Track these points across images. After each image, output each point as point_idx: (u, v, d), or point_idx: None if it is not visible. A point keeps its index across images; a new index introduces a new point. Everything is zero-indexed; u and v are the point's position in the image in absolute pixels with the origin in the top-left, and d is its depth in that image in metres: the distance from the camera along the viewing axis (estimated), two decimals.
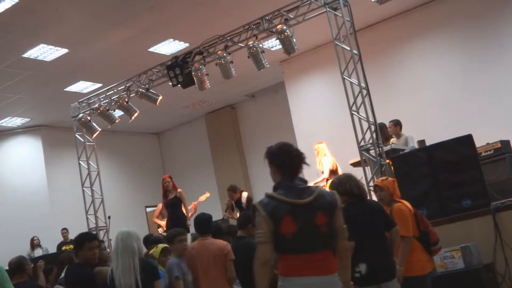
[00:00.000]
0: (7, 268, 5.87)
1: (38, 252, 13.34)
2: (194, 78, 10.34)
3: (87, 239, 5.18)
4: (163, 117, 16.90)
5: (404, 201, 5.31)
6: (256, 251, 3.42)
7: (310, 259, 3.40)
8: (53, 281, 6.60)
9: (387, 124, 9.93)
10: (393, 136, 9.88)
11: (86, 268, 5.05)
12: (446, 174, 7.00)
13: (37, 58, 11.58)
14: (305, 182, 3.58)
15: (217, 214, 13.36)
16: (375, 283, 4.72)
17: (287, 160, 3.54)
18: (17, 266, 5.76)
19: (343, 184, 5.02)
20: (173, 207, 10.52)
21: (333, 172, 10.39)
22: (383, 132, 9.50)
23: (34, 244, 13.76)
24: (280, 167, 3.57)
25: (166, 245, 6.47)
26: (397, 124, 9.86)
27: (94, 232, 10.83)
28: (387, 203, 5.34)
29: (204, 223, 5.92)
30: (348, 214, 4.35)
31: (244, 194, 11.13)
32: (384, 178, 5.65)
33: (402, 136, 9.91)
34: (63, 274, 5.76)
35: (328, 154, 10.48)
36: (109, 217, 11.72)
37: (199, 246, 5.73)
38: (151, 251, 6.86)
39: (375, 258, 4.74)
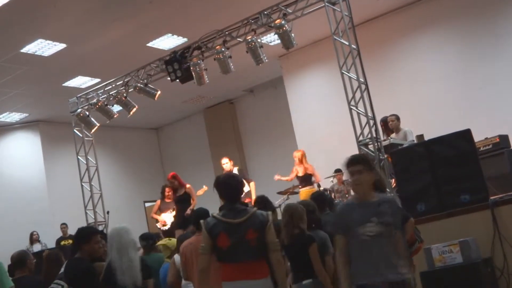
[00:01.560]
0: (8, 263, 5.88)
1: (37, 247, 13.35)
2: (193, 73, 10.33)
3: (94, 233, 5.18)
4: (161, 112, 16.90)
5: None
6: (198, 261, 4.32)
7: (242, 267, 4.19)
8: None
9: (389, 117, 10.03)
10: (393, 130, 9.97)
11: (87, 262, 5.04)
12: (445, 169, 6.98)
13: (35, 53, 11.56)
14: (246, 205, 4.42)
15: (215, 209, 13.35)
16: None
17: (228, 190, 4.42)
18: (18, 261, 5.75)
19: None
20: (182, 203, 10.66)
21: (303, 179, 10.96)
22: (388, 125, 9.68)
23: (33, 239, 13.77)
24: (224, 195, 4.45)
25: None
26: (398, 118, 9.98)
27: None
28: None
29: (201, 218, 5.89)
30: None
31: (235, 169, 11.07)
32: None
33: (401, 130, 9.98)
34: (62, 269, 5.73)
35: (304, 161, 10.99)
36: (108, 212, 11.73)
37: (196, 241, 5.70)
38: (161, 243, 6.84)
39: None
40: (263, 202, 6.62)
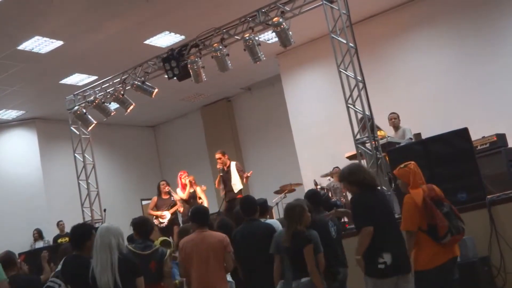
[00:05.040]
0: None
1: (39, 244, 13.33)
2: (190, 71, 10.31)
3: (94, 228, 5.15)
4: (158, 109, 16.87)
5: (415, 192, 5.09)
6: None
7: None
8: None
9: (390, 115, 10.08)
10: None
11: (87, 259, 5.00)
12: (442, 167, 6.99)
13: (32, 51, 11.51)
14: (152, 242, 5.88)
15: (212, 207, 13.36)
16: (398, 274, 4.75)
17: (142, 229, 5.89)
18: (7, 261, 5.73)
19: (354, 173, 5.03)
20: (195, 199, 11.12)
21: (187, 201, 11.07)
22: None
23: (35, 237, 13.75)
24: (137, 233, 5.84)
25: (165, 237, 6.64)
26: (399, 116, 10.06)
27: None
28: (404, 192, 5.20)
29: (202, 215, 5.93)
30: (363, 201, 4.95)
31: (233, 164, 11.04)
32: (402, 166, 5.37)
33: (400, 128, 10.02)
34: (59, 267, 5.71)
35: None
36: (104, 210, 11.71)
37: (197, 238, 5.74)
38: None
39: (397, 248, 4.78)
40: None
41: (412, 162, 5.35)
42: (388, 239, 4.82)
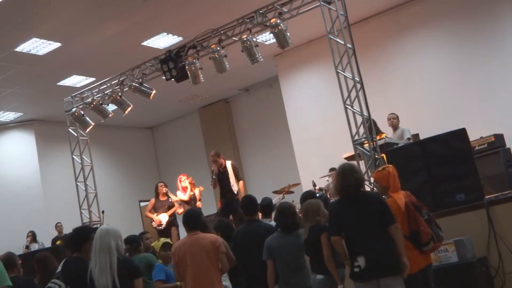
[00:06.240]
0: None
1: (34, 247, 13.29)
2: (188, 72, 10.30)
3: (92, 231, 5.14)
4: (156, 111, 16.87)
5: (397, 196, 5.10)
6: None
7: None
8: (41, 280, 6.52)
9: (390, 115, 10.09)
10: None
11: (86, 261, 5.00)
12: (440, 168, 6.99)
13: (30, 52, 11.52)
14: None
15: (211, 209, 13.37)
16: (375, 277, 4.70)
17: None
18: (8, 262, 5.71)
19: (336, 179, 5.04)
20: (195, 200, 11.23)
21: (188, 202, 11.11)
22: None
23: (29, 239, 13.72)
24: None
25: (168, 240, 6.65)
26: (398, 117, 10.09)
27: None
28: (383, 195, 5.20)
29: (193, 219, 5.91)
30: (331, 210, 5.04)
31: (228, 163, 11.00)
32: (380, 168, 5.36)
33: (399, 128, 10.04)
34: (59, 268, 5.70)
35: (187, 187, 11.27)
36: (103, 212, 11.68)
37: (190, 241, 5.71)
38: (152, 244, 6.94)
39: (373, 251, 4.72)
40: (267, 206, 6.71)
41: (390, 165, 5.35)
42: (363, 243, 4.76)
